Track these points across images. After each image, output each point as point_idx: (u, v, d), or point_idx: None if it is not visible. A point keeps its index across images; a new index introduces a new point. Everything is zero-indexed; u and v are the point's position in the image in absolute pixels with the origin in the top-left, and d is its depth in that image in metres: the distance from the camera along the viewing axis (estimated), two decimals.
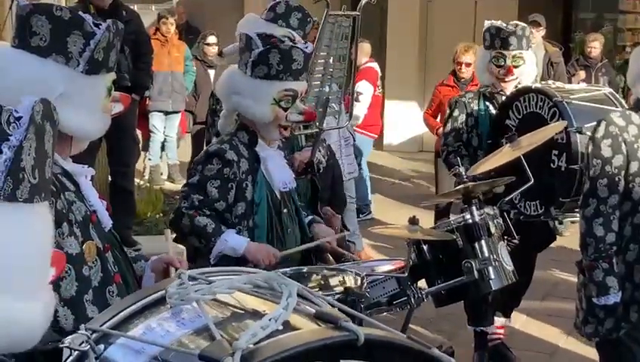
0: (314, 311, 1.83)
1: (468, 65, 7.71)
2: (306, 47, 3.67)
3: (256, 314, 1.83)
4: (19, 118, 1.13)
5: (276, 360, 1.60)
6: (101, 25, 2.38)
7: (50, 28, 2.31)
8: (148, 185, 9.62)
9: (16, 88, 2.17)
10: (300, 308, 1.84)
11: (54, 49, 2.32)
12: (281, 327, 1.71)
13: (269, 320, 1.71)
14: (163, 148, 10.63)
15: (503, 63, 5.27)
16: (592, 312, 3.92)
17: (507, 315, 5.46)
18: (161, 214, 7.95)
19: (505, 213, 4.33)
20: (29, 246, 1.14)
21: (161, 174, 10.61)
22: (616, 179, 3.69)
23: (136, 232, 7.39)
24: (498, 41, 5.27)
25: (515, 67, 5.29)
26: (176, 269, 2.64)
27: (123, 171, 7.59)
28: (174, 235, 3.65)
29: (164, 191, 9.34)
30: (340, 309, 1.89)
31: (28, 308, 1.14)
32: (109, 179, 7.61)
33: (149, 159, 10.51)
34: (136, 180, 8.64)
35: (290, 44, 3.64)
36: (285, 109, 3.62)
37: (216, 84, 3.92)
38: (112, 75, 2.47)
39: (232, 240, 3.58)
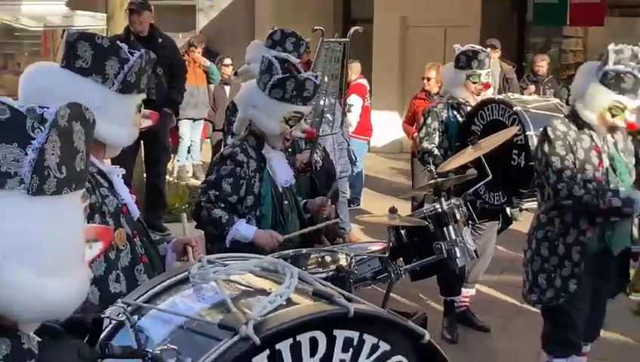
0: (312, 289, 1.83)
1: (429, 79, 7.79)
2: (317, 79, 3.64)
3: (263, 292, 1.83)
4: (44, 122, 1.11)
5: (281, 329, 1.61)
6: (135, 52, 2.36)
7: (92, 53, 2.30)
8: (176, 181, 9.62)
9: (61, 100, 2.16)
10: (300, 287, 1.84)
11: (94, 70, 2.31)
12: (285, 302, 1.72)
13: (276, 296, 1.72)
14: (189, 151, 10.65)
15: (477, 80, 5.27)
16: (536, 283, 3.98)
17: None
18: (187, 205, 7.94)
19: (469, 203, 4.34)
20: (60, 230, 1.13)
21: (187, 172, 10.59)
22: (574, 170, 3.76)
23: (166, 220, 7.40)
24: (475, 62, 5.24)
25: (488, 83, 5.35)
26: (192, 248, 2.65)
27: (155, 172, 7.61)
28: (193, 223, 3.64)
29: (189, 187, 9.32)
30: (332, 288, 1.88)
31: (61, 284, 1.12)
32: (144, 177, 7.62)
33: (178, 160, 10.50)
34: (167, 178, 8.64)
35: (305, 75, 3.58)
36: (291, 126, 3.62)
37: (237, 94, 3.87)
38: (143, 96, 2.45)
39: (243, 229, 3.57)
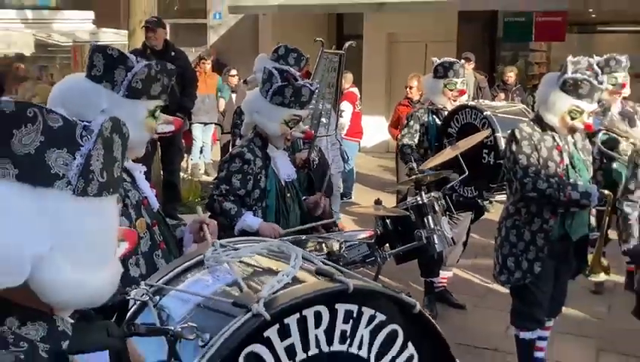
0: (314, 268, 1.82)
1: (411, 88, 7.80)
2: (312, 86, 3.62)
3: (271, 271, 1.83)
4: (91, 132, 1.11)
5: (289, 305, 1.61)
6: (140, 61, 2.32)
7: (103, 62, 2.29)
8: (190, 178, 9.62)
9: (77, 103, 2.18)
10: (305, 267, 1.83)
11: (105, 77, 2.29)
12: (291, 281, 1.71)
13: (283, 275, 1.71)
14: (201, 151, 10.64)
15: (454, 88, 5.28)
16: (505, 266, 4.00)
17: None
18: (200, 199, 7.96)
19: (447, 196, 4.36)
20: (98, 229, 1.12)
21: (200, 170, 10.59)
22: (539, 167, 3.78)
23: (181, 212, 7.40)
24: (451, 72, 5.25)
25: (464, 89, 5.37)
26: (208, 226, 2.63)
27: (170, 169, 7.63)
28: (207, 213, 3.65)
29: (202, 182, 9.32)
30: (333, 267, 1.88)
31: (99, 276, 1.12)
32: (161, 174, 7.63)
33: (191, 159, 10.49)
34: (182, 175, 8.64)
35: (302, 82, 3.57)
36: (291, 128, 3.62)
37: (243, 101, 3.87)
38: (157, 102, 2.36)
39: (249, 221, 3.58)
